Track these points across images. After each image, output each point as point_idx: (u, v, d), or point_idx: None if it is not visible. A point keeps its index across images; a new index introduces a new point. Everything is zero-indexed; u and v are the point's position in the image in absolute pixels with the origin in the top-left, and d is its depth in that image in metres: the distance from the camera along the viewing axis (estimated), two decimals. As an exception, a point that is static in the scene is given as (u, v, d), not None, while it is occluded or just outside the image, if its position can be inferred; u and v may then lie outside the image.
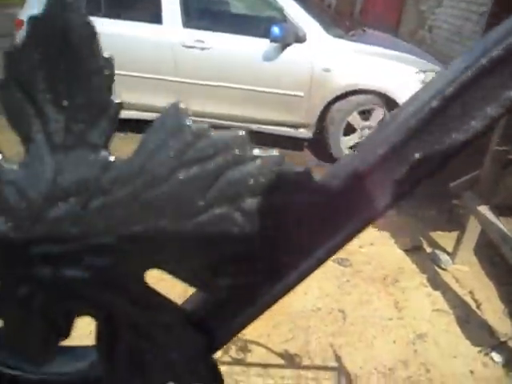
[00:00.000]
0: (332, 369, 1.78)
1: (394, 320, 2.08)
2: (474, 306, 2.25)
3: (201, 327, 0.27)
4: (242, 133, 0.23)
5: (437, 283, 2.40)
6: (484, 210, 2.32)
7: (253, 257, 0.25)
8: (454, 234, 2.66)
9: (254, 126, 3.91)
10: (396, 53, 3.70)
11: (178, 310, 0.27)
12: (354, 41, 3.76)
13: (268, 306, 0.28)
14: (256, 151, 0.23)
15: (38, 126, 0.24)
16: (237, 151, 0.23)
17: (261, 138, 4.06)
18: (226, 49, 3.64)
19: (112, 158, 0.24)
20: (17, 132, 0.24)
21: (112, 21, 3.81)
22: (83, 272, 0.24)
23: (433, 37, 7.12)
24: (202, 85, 3.69)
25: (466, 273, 2.49)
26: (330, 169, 0.27)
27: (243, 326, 0.28)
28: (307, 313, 2.09)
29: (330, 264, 2.52)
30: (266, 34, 3.58)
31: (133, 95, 3.87)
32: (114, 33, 3.76)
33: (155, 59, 3.75)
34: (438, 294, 2.32)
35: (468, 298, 2.31)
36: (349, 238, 0.25)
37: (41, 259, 0.24)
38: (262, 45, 3.57)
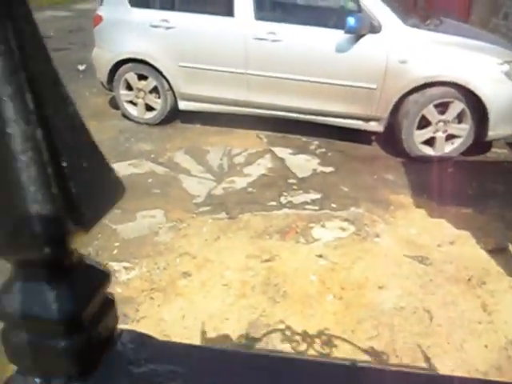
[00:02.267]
0: (422, 369, 1.73)
1: (483, 324, 1.99)
2: None
3: None
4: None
5: (527, 287, 2.27)
6: None
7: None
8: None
9: (321, 119, 3.86)
10: (477, 42, 3.51)
11: None
12: (432, 30, 3.60)
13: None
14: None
15: None
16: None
17: (327, 132, 4.02)
18: (297, 40, 3.61)
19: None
20: None
21: (184, 14, 3.89)
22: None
23: (508, 25, 6.68)
24: (272, 77, 3.69)
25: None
26: None
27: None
28: (390, 311, 2.05)
29: (408, 261, 2.45)
30: (338, 24, 3.51)
31: (203, 87, 3.94)
32: (187, 26, 3.85)
33: (226, 52, 3.79)
34: (528, 298, 2.19)
35: None
36: None
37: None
38: (335, 36, 3.51)
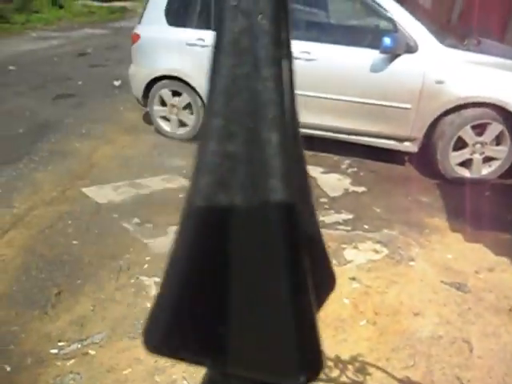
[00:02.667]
0: (462, 405, 1.65)
1: (527, 358, 1.89)
2: None
3: None
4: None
5: None
6: None
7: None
8: None
9: (354, 138, 3.83)
10: (517, 63, 3.42)
11: None
12: (469, 51, 3.53)
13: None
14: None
15: None
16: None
17: (359, 151, 3.97)
18: (332, 60, 3.61)
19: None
20: None
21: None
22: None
23: (547, 45, 6.51)
24: (306, 96, 3.69)
25: None
26: None
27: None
28: (427, 339, 1.97)
29: (445, 287, 2.37)
30: (373, 44, 3.50)
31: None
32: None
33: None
34: None
35: None
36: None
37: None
38: (370, 55, 3.49)
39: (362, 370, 1.82)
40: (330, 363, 1.85)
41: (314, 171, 3.80)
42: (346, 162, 4.01)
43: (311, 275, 0.35)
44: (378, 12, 3.55)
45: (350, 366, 1.82)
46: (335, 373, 1.80)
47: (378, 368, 1.82)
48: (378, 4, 3.46)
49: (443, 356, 1.88)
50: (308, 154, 4.11)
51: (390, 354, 1.88)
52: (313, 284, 0.35)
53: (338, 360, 1.85)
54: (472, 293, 2.30)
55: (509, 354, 1.90)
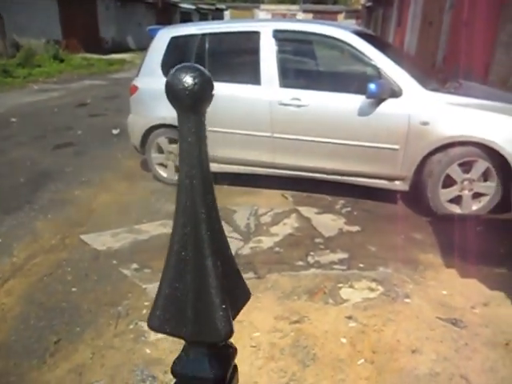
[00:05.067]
0: None
1: (525, 392, 1.90)
2: None
3: None
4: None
5: None
6: None
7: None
8: None
9: (346, 179, 3.94)
10: (497, 104, 3.60)
11: None
12: (451, 93, 3.72)
13: None
14: None
15: None
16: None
17: (353, 191, 4.08)
18: (321, 105, 3.78)
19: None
20: None
21: (215, 84, 4.15)
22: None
23: (528, 84, 6.80)
24: (297, 140, 3.84)
25: None
26: None
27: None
28: (425, 376, 1.98)
29: (441, 324, 2.39)
30: (359, 90, 3.68)
31: (231, 150, 4.13)
32: (216, 94, 4.09)
33: (253, 117, 3.99)
34: None
35: None
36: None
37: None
38: (357, 100, 3.67)
39: (362, 410, 1.81)
40: (330, 405, 1.86)
41: (308, 212, 3.88)
42: (340, 202, 4.11)
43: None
44: (362, 60, 3.76)
45: (348, 407, 1.82)
46: (333, 414, 1.80)
47: (377, 408, 1.81)
48: (362, 53, 3.67)
49: (442, 394, 1.88)
50: (302, 195, 4.22)
51: (389, 394, 1.89)
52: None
53: (337, 401, 1.85)
54: (468, 328, 2.32)
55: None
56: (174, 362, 0.59)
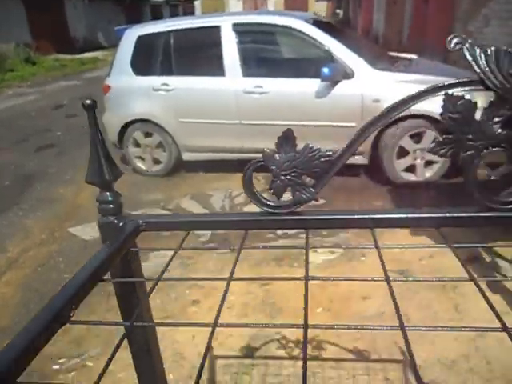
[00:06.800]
0: (398, 361, 2.01)
1: (454, 321, 2.27)
2: (535, 307, 2.37)
3: None
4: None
5: (497, 288, 2.54)
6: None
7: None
8: (513, 243, 2.79)
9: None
10: (440, 78, 3.94)
11: None
12: (400, 71, 4.06)
13: None
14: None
15: None
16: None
17: (319, 168, 4.41)
18: (282, 91, 4.09)
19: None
20: None
21: (183, 78, 4.43)
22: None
23: (483, 55, 7.18)
24: (262, 125, 4.15)
25: (527, 278, 2.60)
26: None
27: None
28: (372, 316, 2.34)
29: (390, 274, 2.74)
30: (316, 74, 3.99)
31: (202, 139, 4.42)
32: (185, 87, 4.38)
33: (220, 106, 4.28)
34: (497, 297, 2.46)
35: (529, 301, 2.42)
36: None
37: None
38: (314, 84, 3.98)
39: (319, 346, 2.17)
40: (292, 345, 2.21)
41: (278, 190, 4.21)
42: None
43: None
44: (316, 46, 4.07)
45: (308, 345, 2.17)
46: (296, 351, 2.15)
47: (332, 343, 2.17)
48: (315, 39, 3.98)
49: (385, 327, 2.24)
50: (273, 175, 4.54)
51: (342, 331, 2.24)
52: None
53: (298, 341, 2.20)
54: (413, 276, 2.69)
55: (439, 320, 2.28)
56: None
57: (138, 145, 4.74)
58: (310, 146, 0.54)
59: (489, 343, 2.13)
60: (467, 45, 0.46)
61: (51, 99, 9.94)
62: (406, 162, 4.00)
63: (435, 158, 3.97)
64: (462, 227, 0.59)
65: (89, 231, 3.74)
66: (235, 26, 4.24)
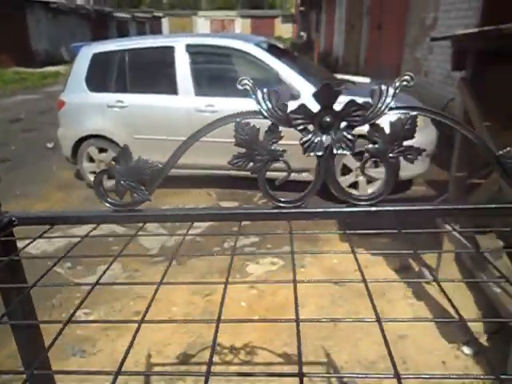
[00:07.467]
0: (321, 363, 2.15)
1: (378, 326, 2.44)
2: (452, 312, 2.58)
3: None
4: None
5: (421, 295, 2.75)
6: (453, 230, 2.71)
7: None
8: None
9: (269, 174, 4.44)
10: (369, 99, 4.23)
11: None
12: (342, 94, 4.31)
13: None
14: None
15: None
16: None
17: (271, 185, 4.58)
18: (232, 110, 4.18)
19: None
20: None
21: (137, 95, 4.54)
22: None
23: (429, 81, 7.69)
24: (213, 142, 4.29)
25: (448, 285, 2.83)
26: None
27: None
28: (304, 323, 2.48)
29: (325, 284, 2.92)
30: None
31: (156, 155, 4.50)
32: (139, 104, 4.49)
33: (173, 123, 4.41)
34: (421, 303, 2.67)
35: (448, 306, 2.64)
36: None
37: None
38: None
39: (251, 352, 2.29)
40: (226, 351, 2.31)
41: (229, 205, 4.35)
42: (258, 195, 4.61)
43: None
44: (265, 68, 4.29)
45: (241, 351, 2.29)
46: (229, 357, 2.26)
47: (264, 349, 2.29)
48: (264, 62, 4.20)
49: (313, 332, 2.39)
50: (225, 191, 4.68)
51: (274, 337, 2.37)
52: None
53: (232, 348, 2.32)
54: (346, 285, 2.87)
55: (364, 325, 2.45)
56: None
57: (92, 160, 4.78)
58: (142, 158, 0.68)
59: (406, 345, 2.31)
60: (252, 87, 0.62)
61: (8, 113, 9.77)
62: (349, 179, 4.24)
63: (376, 175, 4.22)
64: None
65: (37, 245, 3.73)
66: (188, 47, 4.41)
